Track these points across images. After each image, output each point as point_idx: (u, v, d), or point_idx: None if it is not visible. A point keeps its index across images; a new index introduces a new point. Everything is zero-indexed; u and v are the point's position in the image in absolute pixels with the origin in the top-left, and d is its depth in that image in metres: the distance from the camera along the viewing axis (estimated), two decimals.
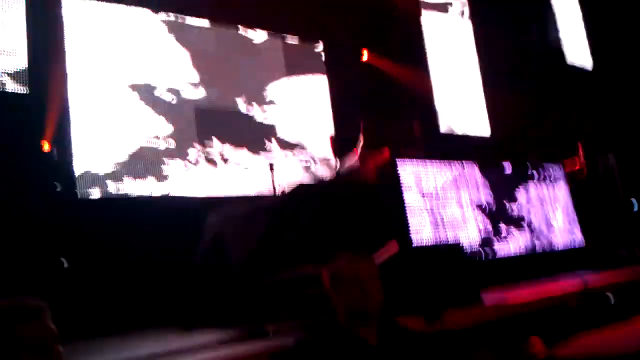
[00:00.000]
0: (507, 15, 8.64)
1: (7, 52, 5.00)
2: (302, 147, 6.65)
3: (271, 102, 6.61)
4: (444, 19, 8.36)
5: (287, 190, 5.76)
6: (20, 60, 5.04)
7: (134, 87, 5.75)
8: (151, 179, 5.64)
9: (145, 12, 5.95)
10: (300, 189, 5.63)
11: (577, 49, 9.63)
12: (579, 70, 9.50)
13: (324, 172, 6.54)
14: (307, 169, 6.59)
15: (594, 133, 8.02)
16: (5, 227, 4.58)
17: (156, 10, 6.01)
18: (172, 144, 5.84)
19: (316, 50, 7.08)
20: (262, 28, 6.62)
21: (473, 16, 8.59)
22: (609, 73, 9.28)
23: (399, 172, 5.29)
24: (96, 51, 5.55)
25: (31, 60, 5.08)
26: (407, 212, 5.31)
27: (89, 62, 5.50)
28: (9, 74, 4.99)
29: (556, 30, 9.46)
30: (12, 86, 4.98)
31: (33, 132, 5.02)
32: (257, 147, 6.35)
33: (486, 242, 5.83)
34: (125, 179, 5.49)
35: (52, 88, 5.21)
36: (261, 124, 6.49)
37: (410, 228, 5.26)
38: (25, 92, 5.02)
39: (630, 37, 9.02)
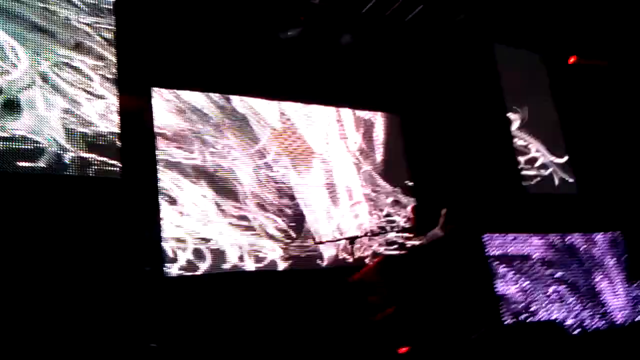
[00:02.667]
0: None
1: (102, 139, 5.27)
2: (383, 217, 6.57)
3: (349, 173, 6.62)
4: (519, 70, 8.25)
5: (371, 261, 5.71)
6: (113, 146, 5.29)
7: (218, 169, 5.92)
8: (236, 255, 5.71)
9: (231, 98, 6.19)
10: (387, 261, 5.56)
11: None
12: None
13: (407, 243, 6.43)
14: (386, 241, 6.48)
15: None
16: (97, 308, 4.76)
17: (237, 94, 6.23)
18: (254, 219, 5.93)
19: (394, 121, 7.08)
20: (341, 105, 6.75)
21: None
22: None
23: (486, 248, 5.13)
24: (181, 135, 5.77)
25: (123, 146, 5.32)
26: (496, 286, 5.11)
27: (175, 146, 5.71)
28: (102, 159, 5.23)
29: None
30: (105, 170, 5.20)
31: (124, 214, 5.21)
32: (333, 216, 6.34)
33: (583, 318, 5.51)
34: (211, 255, 5.59)
35: (142, 172, 5.42)
36: (338, 192, 6.48)
37: (500, 304, 5.05)
38: (117, 177, 5.23)
39: None
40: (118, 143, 5.24)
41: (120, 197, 5.21)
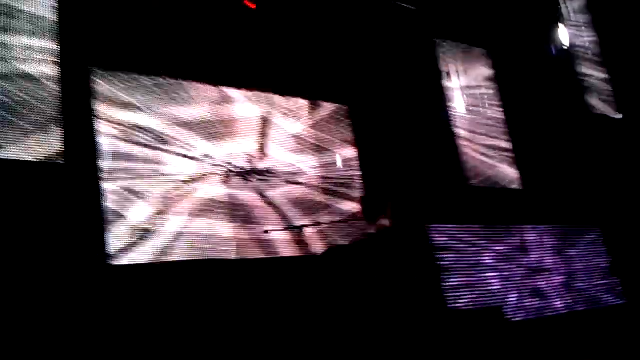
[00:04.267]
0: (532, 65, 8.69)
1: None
2: (331, 209, 6.57)
3: (299, 164, 6.61)
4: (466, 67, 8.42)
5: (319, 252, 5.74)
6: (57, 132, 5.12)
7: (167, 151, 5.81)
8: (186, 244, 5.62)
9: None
10: (334, 251, 5.59)
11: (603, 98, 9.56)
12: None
13: (353, 235, 6.44)
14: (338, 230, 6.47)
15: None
16: (38, 296, 4.60)
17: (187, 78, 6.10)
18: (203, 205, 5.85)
19: (342, 112, 7.10)
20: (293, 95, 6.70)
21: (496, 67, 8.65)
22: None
23: (431, 237, 5.24)
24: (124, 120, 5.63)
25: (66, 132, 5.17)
26: (442, 275, 5.23)
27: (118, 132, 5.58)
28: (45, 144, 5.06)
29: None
30: (47, 156, 5.04)
31: (67, 202, 5.05)
32: (286, 209, 6.32)
33: (524, 304, 5.71)
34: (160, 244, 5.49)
35: (86, 158, 5.27)
36: (289, 183, 6.47)
37: (446, 292, 5.17)
38: (62, 162, 5.07)
39: None
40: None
41: (63, 183, 5.07)
